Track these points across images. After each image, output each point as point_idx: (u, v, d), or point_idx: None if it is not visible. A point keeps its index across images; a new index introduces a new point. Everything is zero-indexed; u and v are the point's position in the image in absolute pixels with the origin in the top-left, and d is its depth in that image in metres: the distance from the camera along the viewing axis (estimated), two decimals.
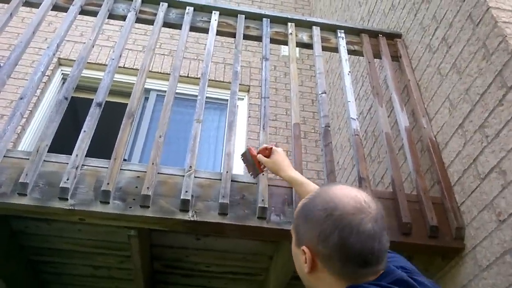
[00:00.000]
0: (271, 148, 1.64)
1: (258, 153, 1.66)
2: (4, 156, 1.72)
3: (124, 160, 1.91)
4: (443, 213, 1.86)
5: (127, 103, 1.99)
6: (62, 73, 3.92)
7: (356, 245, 0.81)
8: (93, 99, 1.95)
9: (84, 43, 2.21)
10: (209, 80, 2.17)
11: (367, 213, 0.84)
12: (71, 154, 1.77)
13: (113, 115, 3.34)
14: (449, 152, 1.98)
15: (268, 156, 1.63)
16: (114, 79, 2.10)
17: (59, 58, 3.90)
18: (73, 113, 4.71)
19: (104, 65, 3.82)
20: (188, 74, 4.07)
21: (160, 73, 4.03)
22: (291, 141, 2.07)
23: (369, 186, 1.87)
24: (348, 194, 0.87)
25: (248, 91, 4.18)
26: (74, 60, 3.89)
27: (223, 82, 4.10)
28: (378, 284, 0.82)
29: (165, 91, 2.14)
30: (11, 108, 3.45)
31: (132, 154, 3.39)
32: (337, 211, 0.84)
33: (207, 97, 2.08)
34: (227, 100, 3.76)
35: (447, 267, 1.85)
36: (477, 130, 1.79)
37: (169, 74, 3.93)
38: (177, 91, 2.08)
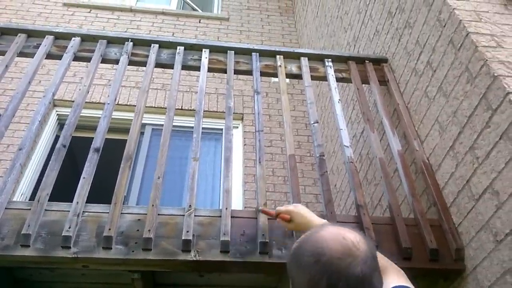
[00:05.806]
0: (288, 211, 1.58)
1: (277, 216, 1.62)
2: (5, 208, 1.74)
3: (124, 197, 1.94)
4: (441, 235, 1.89)
5: (121, 139, 2.01)
6: (57, 114, 3.96)
7: None
8: (87, 137, 1.98)
9: (78, 83, 2.26)
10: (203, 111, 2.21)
11: (355, 256, 0.84)
12: (68, 195, 1.79)
13: (107, 151, 3.37)
14: (443, 173, 2.02)
15: (288, 220, 1.57)
16: None
17: (53, 99, 3.94)
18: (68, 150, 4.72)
19: (98, 103, 3.87)
20: (182, 106, 4.13)
21: (154, 107, 4.09)
22: (287, 166, 2.10)
23: (367, 213, 1.90)
24: (336, 238, 0.87)
25: (242, 119, 4.24)
26: (69, 101, 4.00)
27: (216, 112, 4.16)
28: None
29: (160, 125, 2.18)
30: (7, 152, 3.48)
31: (130, 191, 3.41)
32: (324, 256, 0.84)
33: (201, 128, 2.12)
34: (221, 129, 3.81)
35: None
36: (468, 152, 1.84)
37: (163, 107, 4.02)
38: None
